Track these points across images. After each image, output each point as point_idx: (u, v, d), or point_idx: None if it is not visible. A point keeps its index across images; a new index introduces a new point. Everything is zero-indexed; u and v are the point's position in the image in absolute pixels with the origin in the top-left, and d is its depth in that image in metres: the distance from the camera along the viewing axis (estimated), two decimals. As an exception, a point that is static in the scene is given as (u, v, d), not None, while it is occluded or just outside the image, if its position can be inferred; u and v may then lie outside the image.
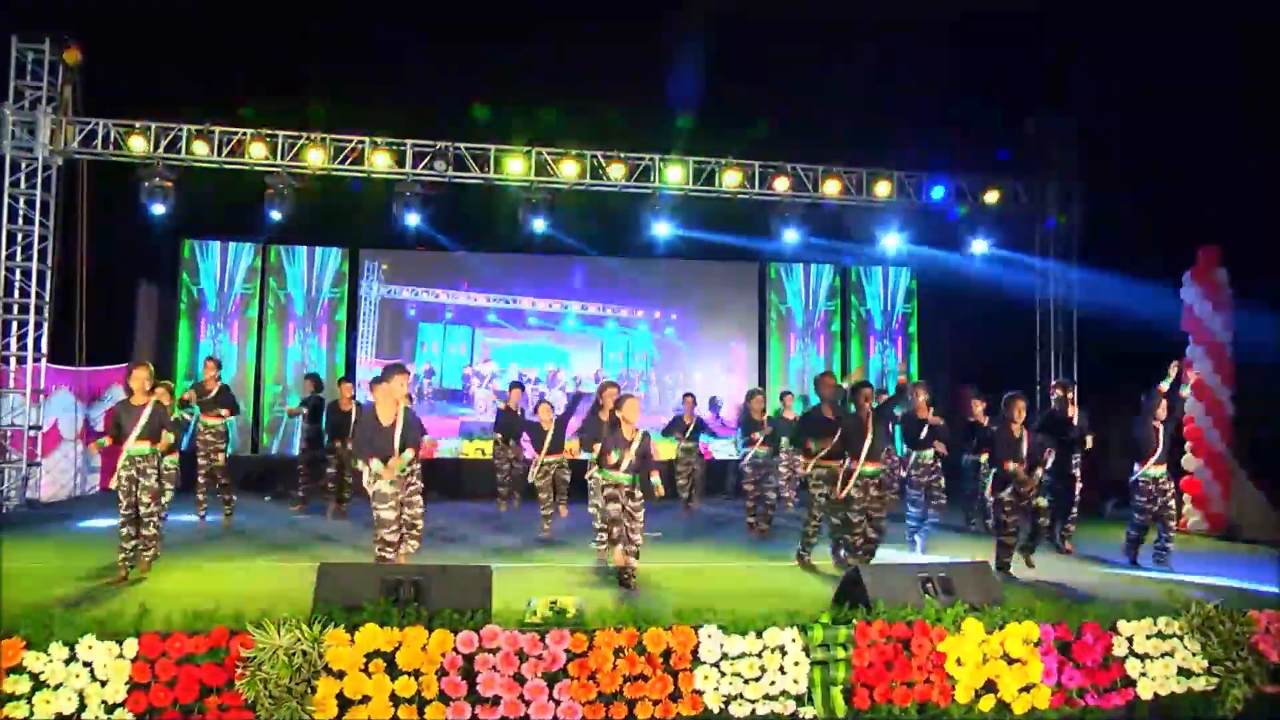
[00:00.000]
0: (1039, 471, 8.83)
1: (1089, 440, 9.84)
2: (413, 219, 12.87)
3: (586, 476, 9.23)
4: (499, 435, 12.34)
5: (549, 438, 10.62)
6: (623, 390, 9.14)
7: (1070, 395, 10.11)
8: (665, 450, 14.61)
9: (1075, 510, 9.89)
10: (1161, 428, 8.95)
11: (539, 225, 13.10)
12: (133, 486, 7.69)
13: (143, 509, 7.70)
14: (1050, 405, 10.97)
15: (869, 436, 8.22)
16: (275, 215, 12.67)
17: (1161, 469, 8.90)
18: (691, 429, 12.99)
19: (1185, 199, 12.35)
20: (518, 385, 12.82)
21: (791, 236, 13.54)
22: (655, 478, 7.95)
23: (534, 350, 16.04)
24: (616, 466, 7.79)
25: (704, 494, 13.15)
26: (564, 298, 16.09)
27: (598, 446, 8.40)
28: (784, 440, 11.22)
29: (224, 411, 10.84)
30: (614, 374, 15.52)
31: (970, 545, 9.89)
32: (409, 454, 7.62)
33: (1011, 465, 8.48)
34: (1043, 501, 8.65)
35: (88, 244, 12.44)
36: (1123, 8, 12.42)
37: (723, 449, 14.78)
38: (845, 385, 9.17)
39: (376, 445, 7.43)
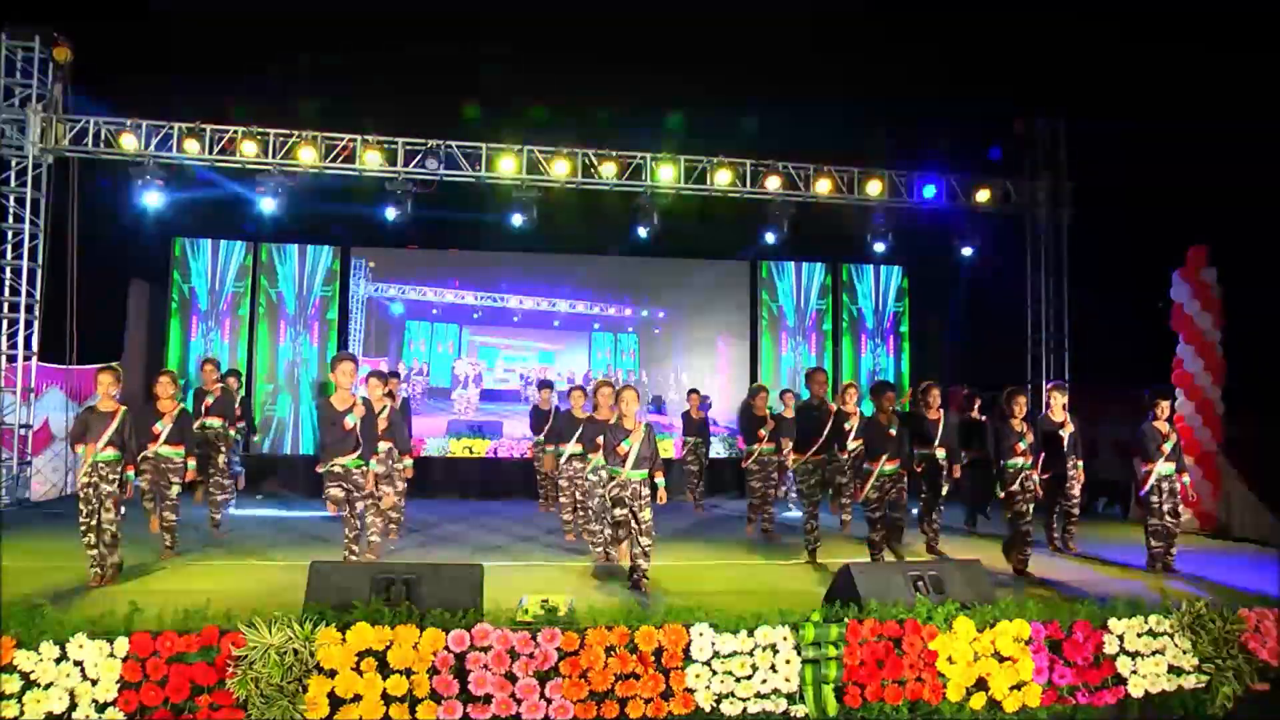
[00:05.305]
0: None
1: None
2: (404, 217, 12.86)
3: (589, 471, 9.16)
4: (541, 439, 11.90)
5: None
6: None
7: (1055, 399, 9.93)
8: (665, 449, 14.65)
9: (1077, 512, 9.87)
10: (1169, 425, 8.94)
11: (529, 223, 13.08)
12: (94, 494, 7.37)
13: (104, 515, 7.36)
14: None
15: (891, 437, 8.25)
16: (266, 213, 12.67)
17: (1171, 466, 8.86)
18: (699, 425, 12.99)
19: (1174, 198, 12.38)
20: (547, 385, 12.42)
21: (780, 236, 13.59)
22: (660, 479, 7.64)
23: (521, 349, 16.01)
24: (624, 460, 7.43)
25: (705, 493, 13.12)
26: (552, 296, 16.08)
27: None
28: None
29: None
30: (599, 374, 15.52)
31: (971, 545, 9.91)
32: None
33: (1016, 459, 8.54)
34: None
35: (78, 242, 12.42)
36: (1113, 8, 12.47)
37: (716, 448, 14.76)
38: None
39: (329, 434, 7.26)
